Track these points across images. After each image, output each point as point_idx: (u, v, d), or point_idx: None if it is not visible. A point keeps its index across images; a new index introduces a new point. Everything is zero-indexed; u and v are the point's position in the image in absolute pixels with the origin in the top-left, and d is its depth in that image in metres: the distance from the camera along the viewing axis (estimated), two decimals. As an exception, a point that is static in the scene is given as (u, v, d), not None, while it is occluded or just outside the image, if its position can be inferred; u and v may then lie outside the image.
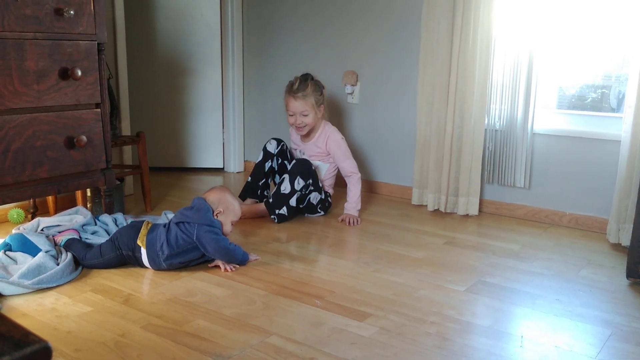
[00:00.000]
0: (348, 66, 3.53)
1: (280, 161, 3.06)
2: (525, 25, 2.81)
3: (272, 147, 3.03)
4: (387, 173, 3.51)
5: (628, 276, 2.19)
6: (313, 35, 3.64)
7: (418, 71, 3.13)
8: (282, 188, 2.79)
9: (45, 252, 2.10)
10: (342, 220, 2.89)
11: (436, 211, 3.16)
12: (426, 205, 3.20)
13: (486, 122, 2.99)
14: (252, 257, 2.33)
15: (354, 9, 3.44)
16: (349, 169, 2.97)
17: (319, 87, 2.96)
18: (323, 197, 2.95)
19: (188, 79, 3.96)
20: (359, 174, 2.97)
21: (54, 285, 2.01)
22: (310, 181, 2.84)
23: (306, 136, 3.03)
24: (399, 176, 3.46)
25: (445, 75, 3.01)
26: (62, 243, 2.26)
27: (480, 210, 3.12)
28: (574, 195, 2.91)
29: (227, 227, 2.28)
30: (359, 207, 2.94)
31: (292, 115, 2.94)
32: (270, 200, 2.82)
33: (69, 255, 2.15)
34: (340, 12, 3.50)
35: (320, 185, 2.93)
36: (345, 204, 2.94)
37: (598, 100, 2.93)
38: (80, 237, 2.33)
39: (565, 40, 2.90)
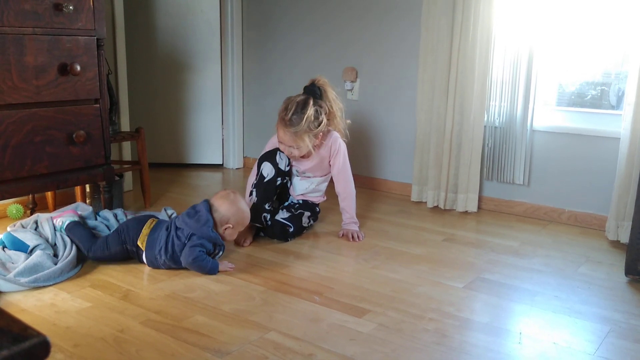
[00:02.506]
0: (348, 62, 3.52)
1: (286, 180, 2.64)
2: (525, 22, 2.81)
3: (283, 164, 2.57)
4: (386, 170, 3.51)
5: (627, 273, 2.19)
6: (313, 31, 3.64)
7: (418, 68, 3.13)
8: (303, 222, 2.60)
9: (34, 247, 2.09)
10: (342, 235, 2.61)
11: (435, 208, 3.16)
12: (425, 202, 3.21)
13: (486, 118, 2.99)
14: (226, 266, 2.20)
15: (354, 5, 3.44)
16: (350, 186, 2.65)
17: (318, 114, 2.47)
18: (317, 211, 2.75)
19: (187, 75, 3.95)
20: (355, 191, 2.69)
21: (51, 283, 2.00)
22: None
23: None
24: (399, 173, 3.46)
25: (445, 71, 3.00)
26: (63, 226, 2.23)
27: (479, 207, 3.13)
28: (573, 192, 2.91)
29: (231, 238, 2.28)
30: (357, 221, 2.68)
31: (280, 144, 2.54)
32: (292, 229, 2.53)
33: (73, 251, 2.12)
34: (340, 8, 3.50)
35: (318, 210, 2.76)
36: (343, 223, 2.66)
37: (597, 98, 2.93)
38: (79, 217, 2.31)
39: (565, 37, 2.90)
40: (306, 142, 2.47)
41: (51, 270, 2.00)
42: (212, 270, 2.14)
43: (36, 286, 1.97)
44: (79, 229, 2.24)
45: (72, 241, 2.20)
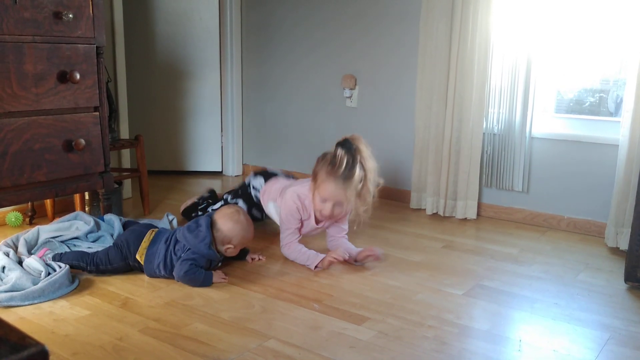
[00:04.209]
0: (346, 70, 3.53)
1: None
2: (524, 29, 2.82)
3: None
4: (385, 177, 3.49)
5: (626, 280, 2.19)
6: (311, 39, 3.65)
7: (416, 75, 3.14)
8: None
9: (2, 267, 2.05)
10: (366, 256, 2.35)
11: (434, 215, 3.16)
12: (425, 209, 3.21)
13: (484, 126, 2.99)
14: (219, 277, 2.16)
15: (352, 13, 3.45)
16: (345, 230, 2.53)
17: (363, 168, 2.32)
18: None
19: (187, 83, 3.96)
20: None
21: (28, 303, 1.92)
22: None
23: None
24: (398, 180, 3.46)
25: (444, 79, 3.01)
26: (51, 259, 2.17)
27: (478, 214, 3.13)
28: (572, 199, 2.91)
29: (232, 255, 2.27)
30: None
31: (324, 202, 2.32)
32: None
33: (62, 272, 2.04)
34: (338, 17, 3.51)
35: None
36: (348, 248, 2.42)
37: (596, 105, 2.94)
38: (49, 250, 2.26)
39: (563, 45, 2.91)
40: (352, 197, 2.32)
41: (29, 290, 1.94)
42: (205, 282, 2.11)
43: (11, 305, 1.90)
44: (67, 254, 2.19)
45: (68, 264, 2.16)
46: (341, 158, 2.26)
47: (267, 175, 2.72)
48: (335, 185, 2.27)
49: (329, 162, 2.29)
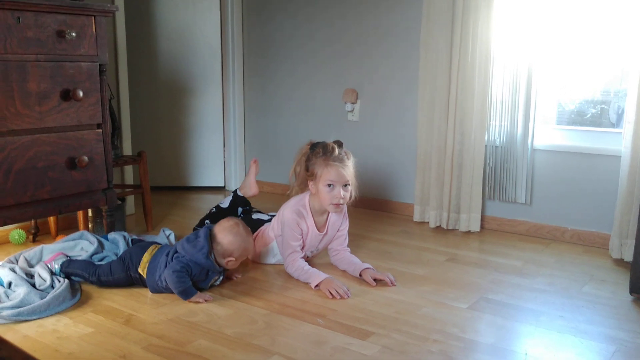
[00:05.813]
0: (348, 85, 3.54)
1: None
2: (524, 41, 2.83)
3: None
4: (388, 190, 3.51)
5: (631, 291, 2.17)
6: (313, 54, 3.67)
7: (418, 88, 3.15)
8: None
9: (9, 282, 2.07)
10: (377, 281, 2.32)
11: (438, 228, 3.15)
12: (428, 222, 3.20)
13: (486, 138, 2.99)
14: (201, 297, 2.12)
15: (353, 27, 3.47)
16: (346, 241, 2.57)
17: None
18: None
19: (189, 99, 3.98)
20: None
21: (35, 318, 1.93)
22: None
23: (324, 223, 2.49)
24: (400, 193, 3.46)
25: (445, 91, 3.02)
26: (58, 269, 2.20)
27: (481, 227, 3.12)
28: (576, 210, 2.90)
29: (233, 267, 2.25)
30: None
31: (331, 186, 2.35)
32: None
33: (63, 285, 2.06)
34: (340, 30, 3.53)
35: None
36: (366, 269, 2.37)
37: (597, 116, 2.94)
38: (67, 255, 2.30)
39: (564, 56, 2.92)
40: (352, 176, 2.41)
41: (36, 305, 1.95)
42: (185, 293, 2.09)
43: (19, 320, 1.91)
44: (76, 262, 2.23)
45: (69, 277, 2.19)
46: (331, 146, 2.40)
47: (254, 224, 2.61)
48: (337, 167, 2.36)
49: (321, 153, 2.39)
